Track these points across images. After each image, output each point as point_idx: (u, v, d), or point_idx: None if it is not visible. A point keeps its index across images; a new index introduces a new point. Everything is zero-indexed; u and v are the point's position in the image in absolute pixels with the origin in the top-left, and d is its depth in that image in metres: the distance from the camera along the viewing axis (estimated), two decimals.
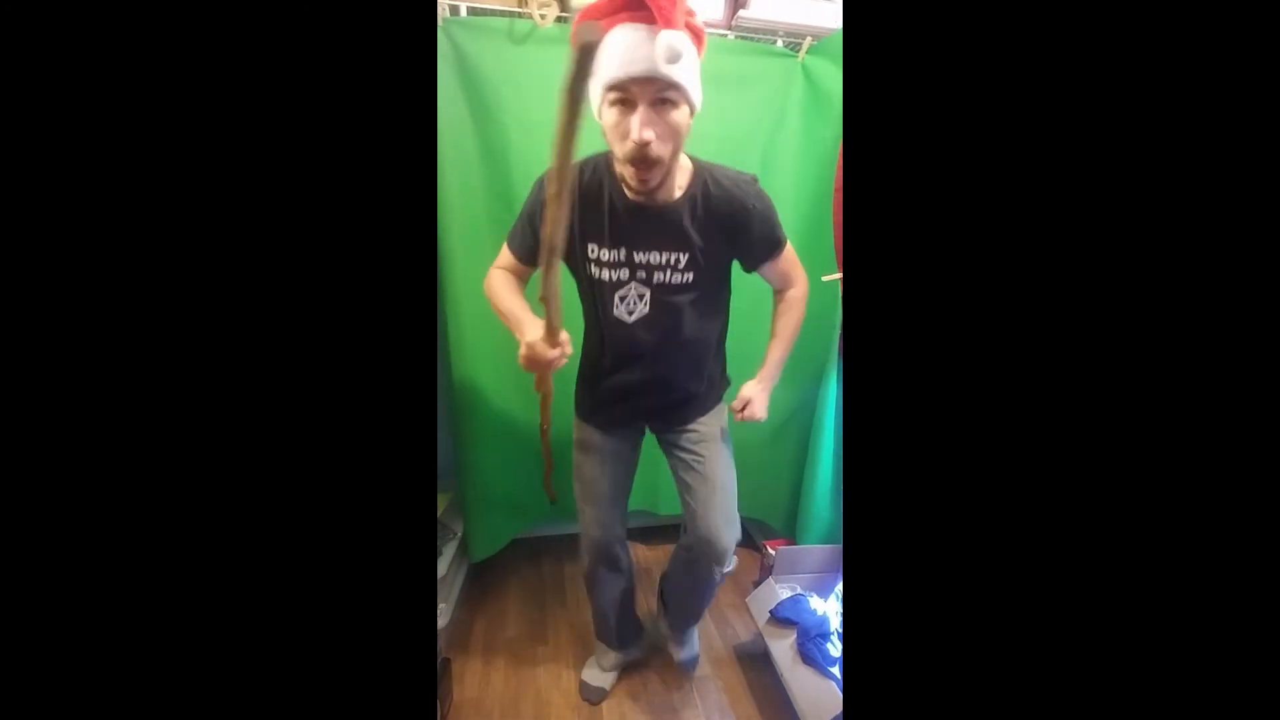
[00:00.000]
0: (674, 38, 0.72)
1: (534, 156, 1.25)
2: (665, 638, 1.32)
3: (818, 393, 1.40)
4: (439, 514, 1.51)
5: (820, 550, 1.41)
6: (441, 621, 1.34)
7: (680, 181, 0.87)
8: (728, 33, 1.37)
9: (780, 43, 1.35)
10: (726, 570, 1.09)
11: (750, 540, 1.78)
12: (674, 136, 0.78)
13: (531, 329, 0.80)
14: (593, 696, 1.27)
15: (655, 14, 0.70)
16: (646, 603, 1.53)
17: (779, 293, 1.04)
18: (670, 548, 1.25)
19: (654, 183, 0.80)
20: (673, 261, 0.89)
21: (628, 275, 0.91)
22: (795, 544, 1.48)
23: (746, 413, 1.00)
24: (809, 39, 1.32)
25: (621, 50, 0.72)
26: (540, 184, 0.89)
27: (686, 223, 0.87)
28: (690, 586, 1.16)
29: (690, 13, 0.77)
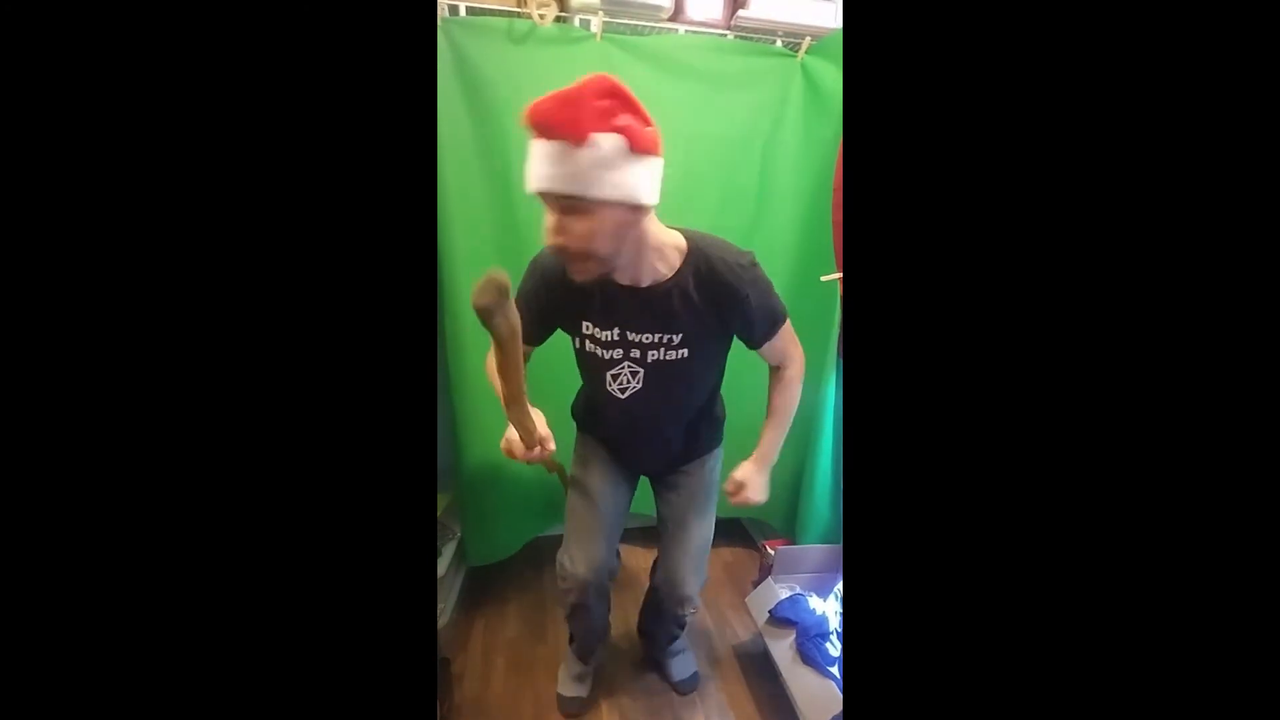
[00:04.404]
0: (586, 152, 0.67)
1: None
2: (657, 662, 1.36)
3: (817, 393, 1.40)
4: (439, 514, 1.51)
5: (820, 550, 1.41)
6: (441, 622, 1.34)
7: (672, 261, 0.84)
8: (727, 33, 1.37)
9: (779, 42, 1.35)
10: (690, 612, 1.13)
11: (750, 540, 1.78)
12: (602, 237, 0.74)
13: (511, 430, 0.84)
14: (573, 708, 1.26)
15: (565, 134, 0.66)
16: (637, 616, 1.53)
17: (775, 370, 1.01)
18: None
19: (589, 275, 0.79)
20: (666, 340, 0.89)
21: (622, 354, 0.90)
22: (795, 544, 1.48)
23: (741, 497, 0.99)
24: (808, 39, 1.32)
25: (535, 164, 0.70)
26: (531, 269, 0.90)
27: (676, 304, 0.85)
28: (662, 623, 1.24)
29: (629, 118, 0.69)
